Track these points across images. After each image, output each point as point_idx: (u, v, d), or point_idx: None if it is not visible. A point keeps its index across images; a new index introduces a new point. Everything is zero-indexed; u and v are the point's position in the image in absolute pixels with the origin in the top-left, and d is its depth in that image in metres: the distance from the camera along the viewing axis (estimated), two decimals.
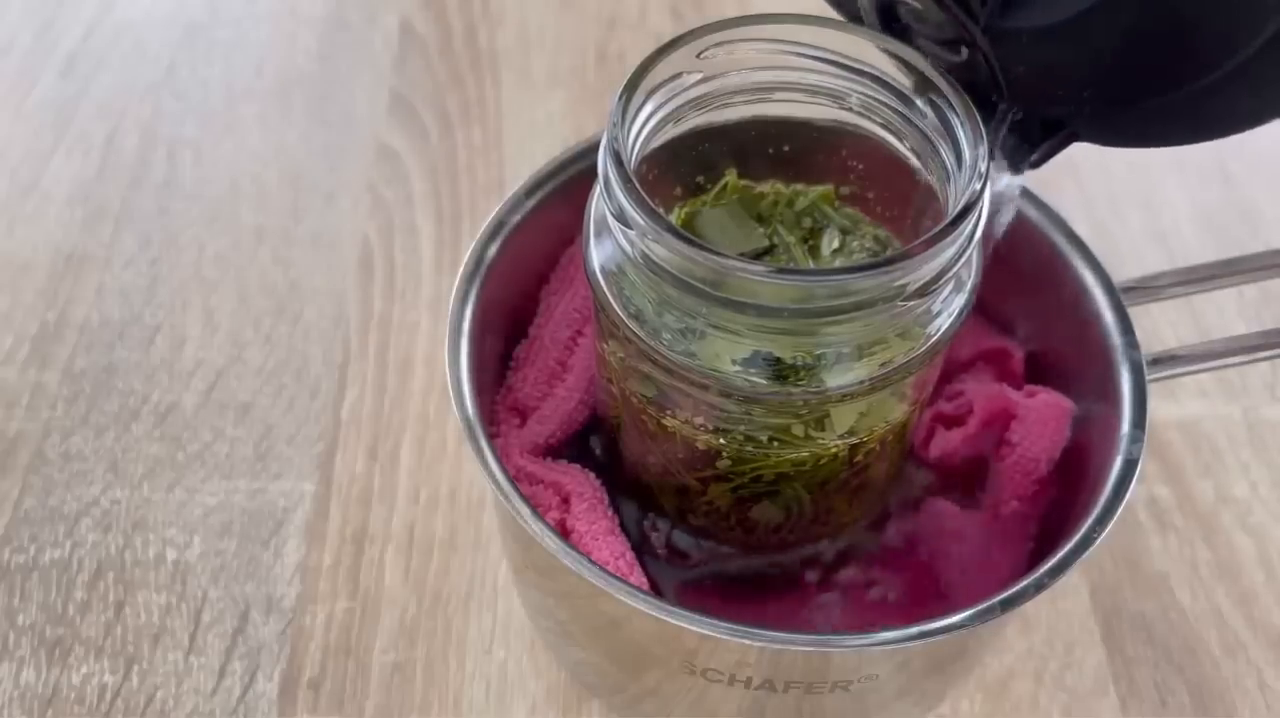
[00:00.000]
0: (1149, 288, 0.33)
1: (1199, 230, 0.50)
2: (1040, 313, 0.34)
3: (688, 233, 0.25)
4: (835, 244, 0.30)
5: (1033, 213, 0.33)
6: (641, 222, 0.25)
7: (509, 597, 0.39)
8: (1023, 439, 0.32)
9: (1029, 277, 0.34)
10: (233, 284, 0.48)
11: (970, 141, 0.26)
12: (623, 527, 0.31)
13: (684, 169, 0.31)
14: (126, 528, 0.41)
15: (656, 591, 0.31)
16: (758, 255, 0.30)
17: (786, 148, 0.31)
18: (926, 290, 0.25)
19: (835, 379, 0.26)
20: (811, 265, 0.30)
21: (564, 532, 0.30)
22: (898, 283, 0.24)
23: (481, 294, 0.31)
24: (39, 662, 0.38)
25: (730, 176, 0.31)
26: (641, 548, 0.32)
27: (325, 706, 0.37)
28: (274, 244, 0.49)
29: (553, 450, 0.32)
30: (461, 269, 0.31)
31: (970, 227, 0.25)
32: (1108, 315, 0.32)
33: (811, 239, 0.30)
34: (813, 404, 0.27)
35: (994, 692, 0.38)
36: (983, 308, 0.34)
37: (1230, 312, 0.48)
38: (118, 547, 0.40)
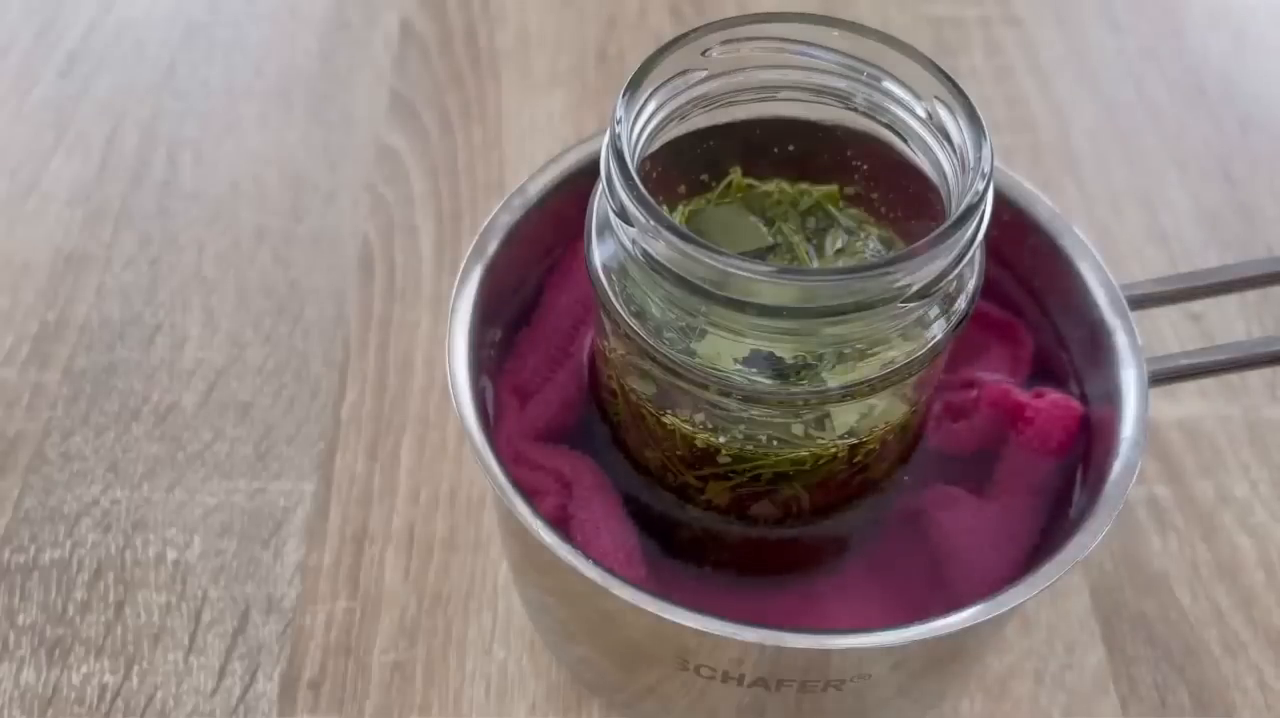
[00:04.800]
0: (1151, 293, 0.33)
1: (1200, 230, 0.50)
2: (1042, 313, 0.34)
3: (689, 231, 0.25)
4: (839, 244, 0.30)
5: (1036, 212, 0.33)
6: (643, 219, 0.25)
7: (509, 597, 0.39)
8: (1031, 440, 0.31)
9: (1031, 276, 0.34)
10: (233, 284, 0.48)
11: (973, 143, 0.26)
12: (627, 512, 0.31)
13: (688, 167, 0.31)
14: (126, 528, 0.41)
15: (660, 582, 0.30)
16: (760, 254, 0.30)
17: (792, 147, 0.31)
18: (928, 292, 0.25)
19: (836, 379, 0.26)
20: (815, 265, 0.30)
21: (565, 518, 0.30)
22: (899, 284, 0.24)
23: (483, 287, 0.31)
24: (39, 662, 0.38)
25: (735, 175, 0.31)
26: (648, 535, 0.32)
27: (325, 706, 0.37)
28: (274, 244, 0.49)
29: (553, 435, 0.32)
30: (464, 262, 0.31)
31: (972, 229, 0.25)
32: (1109, 317, 0.32)
33: (815, 239, 0.30)
34: (813, 404, 0.27)
35: (994, 692, 0.38)
36: (992, 293, 0.34)
37: (1231, 312, 0.48)
38: (118, 547, 0.40)
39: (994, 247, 0.34)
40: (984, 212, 0.25)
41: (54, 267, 0.48)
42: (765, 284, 0.24)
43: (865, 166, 0.30)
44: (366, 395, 0.44)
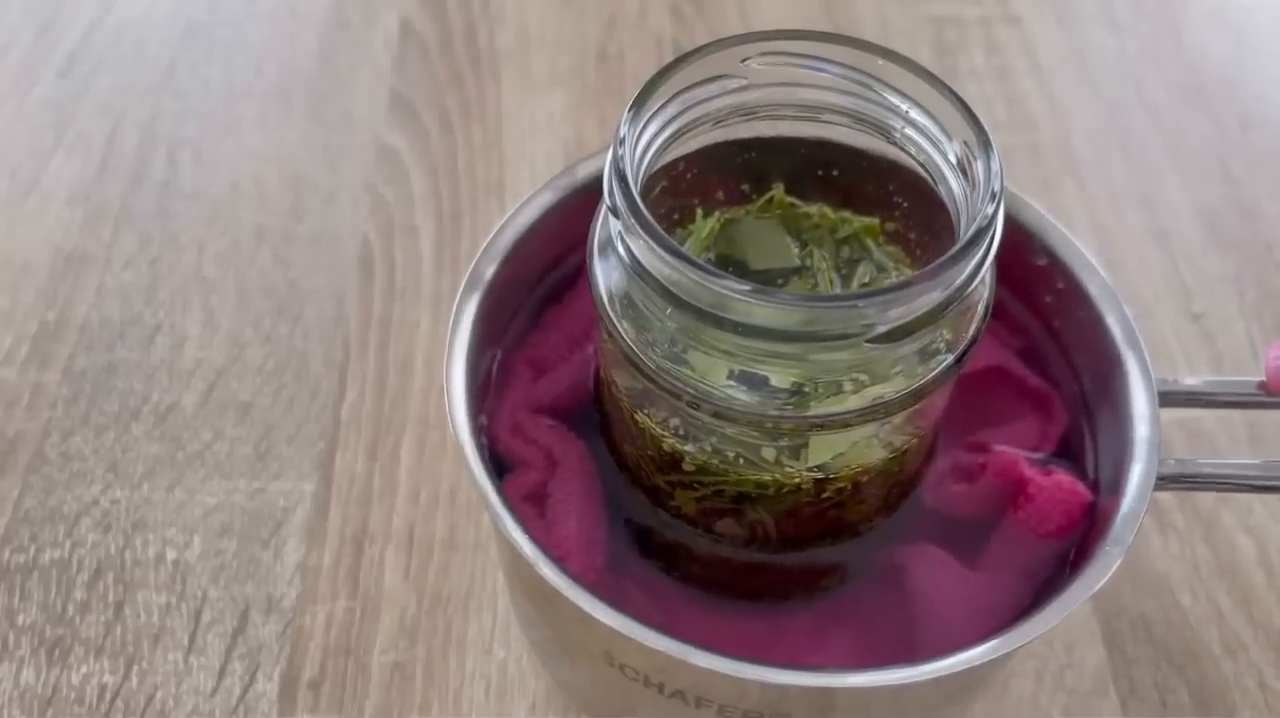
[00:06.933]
0: (1192, 390, 0.32)
1: (1200, 230, 0.50)
2: (1078, 388, 0.33)
3: (666, 235, 0.24)
4: (866, 279, 0.29)
5: (1054, 242, 0.33)
6: (624, 210, 0.25)
7: (509, 596, 0.39)
8: (1029, 519, 0.30)
9: (1072, 349, 0.33)
10: (233, 284, 0.48)
11: (983, 185, 0.25)
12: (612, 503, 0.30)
13: (726, 175, 0.30)
14: (126, 528, 0.41)
15: (622, 580, 0.30)
16: (784, 275, 0.29)
17: (836, 172, 0.30)
18: (898, 336, 0.24)
19: (817, 408, 0.25)
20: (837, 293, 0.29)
21: (543, 495, 0.30)
22: (866, 321, 0.24)
23: (504, 268, 0.32)
24: (39, 662, 0.38)
25: (777, 191, 0.30)
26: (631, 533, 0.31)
27: (325, 706, 0.37)
28: (274, 244, 0.49)
29: (557, 414, 0.32)
30: (475, 260, 0.31)
31: (966, 270, 0.24)
32: (1138, 405, 0.30)
33: (845, 270, 0.30)
34: (786, 430, 0.26)
35: (994, 692, 0.38)
36: (1035, 359, 0.33)
37: (1232, 312, 0.48)
38: (118, 547, 0.40)
39: (1045, 315, 0.33)
40: (979, 269, 0.25)
41: (54, 267, 0.48)
42: (750, 305, 0.24)
43: (907, 204, 0.30)
44: (366, 395, 0.44)
